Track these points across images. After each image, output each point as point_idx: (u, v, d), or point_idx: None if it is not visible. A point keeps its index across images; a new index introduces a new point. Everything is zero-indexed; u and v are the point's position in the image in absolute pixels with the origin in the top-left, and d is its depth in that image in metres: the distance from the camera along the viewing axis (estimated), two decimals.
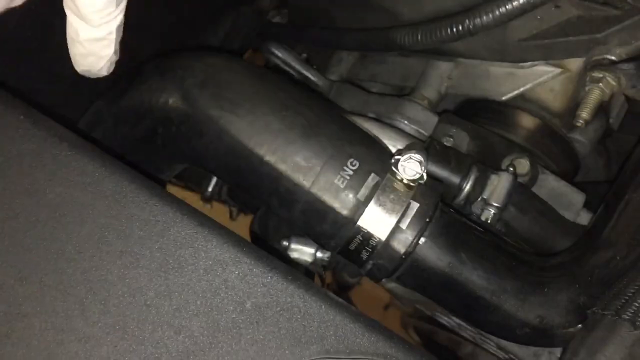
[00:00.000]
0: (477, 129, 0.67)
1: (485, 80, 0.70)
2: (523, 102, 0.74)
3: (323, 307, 0.41)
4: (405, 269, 0.48)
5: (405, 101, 0.69)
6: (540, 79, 0.66)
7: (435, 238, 0.48)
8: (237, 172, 0.48)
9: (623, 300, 0.43)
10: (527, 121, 0.74)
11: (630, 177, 0.53)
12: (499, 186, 0.58)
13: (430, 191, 0.48)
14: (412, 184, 0.47)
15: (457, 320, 0.70)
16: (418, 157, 0.47)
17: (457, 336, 0.83)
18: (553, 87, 0.68)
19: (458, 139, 0.65)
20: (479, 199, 0.58)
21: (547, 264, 0.50)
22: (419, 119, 0.66)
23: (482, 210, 0.57)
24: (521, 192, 0.59)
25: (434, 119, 0.66)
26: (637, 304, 0.43)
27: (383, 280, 0.50)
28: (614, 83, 0.60)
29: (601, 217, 0.54)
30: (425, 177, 0.48)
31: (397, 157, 0.47)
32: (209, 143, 0.48)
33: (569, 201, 0.64)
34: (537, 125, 0.74)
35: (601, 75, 0.60)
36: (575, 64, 0.64)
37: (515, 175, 0.59)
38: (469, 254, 0.48)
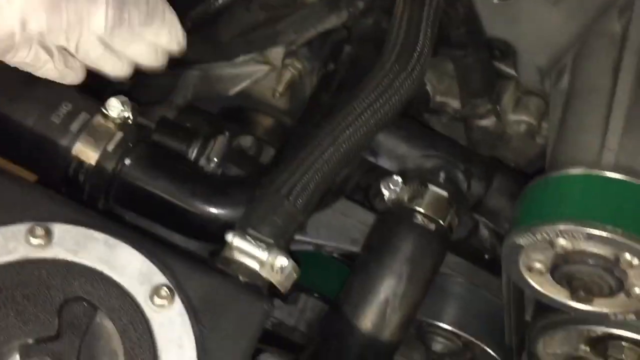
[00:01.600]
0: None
1: (218, 83, 0.88)
2: (257, 104, 0.92)
3: None
4: (117, 188, 0.61)
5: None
6: (255, 77, 0.85)
7: (138, 160, 0.62)
8: None
9: (280, 181, 0.59)
10: (265, 121, 0.92)
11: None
12: (216, 147, 0.75)
13: (135, 126, 0.63)
14: (118, 121, 0.62)
15: None
16: (123, 98, 0.62)
17: None
18: (270, 84, 0.87)
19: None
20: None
21: (230, 179, 0.66)
22: None
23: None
24: None
25: None
26: (290, 182, 0.59)
27: None
28: (298, 65, 0.80)
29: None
30: (131, 118, 0.63)
31: (107, 100, 0.62)
32: None
33: None
34: (272, 123, 0.92)
35: (289, 61, 0.80)
36: (277, 58, 0.84)
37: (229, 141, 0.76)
38: (166, 172, 0.63)
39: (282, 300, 0.98)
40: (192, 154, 0.76)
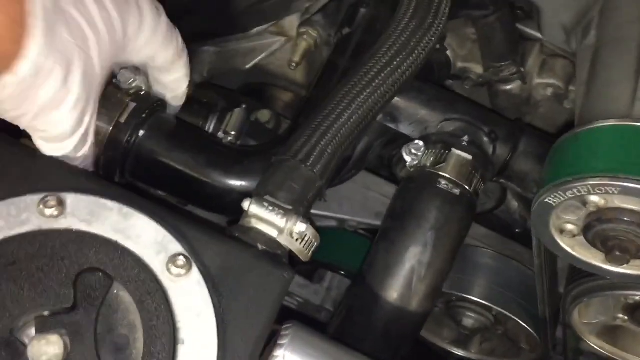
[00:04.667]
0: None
1: (234, 57, 0.87)
2: (274, 78, 0.91)
3: None
4: (132, 160, 0.60)
5: None
6: (271, 49, 0.83)
7: (153, 131, 0.60)
8: None
9: (296, 147, 0.57)
10: (283, 95, 0.91)
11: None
12: (232, 120, 0.73)
13: (147, 96, 0.61)
14: (131, 91, 0.60)
15: None
16: (134, 69, 0.60)
17: None
18: (287, 57, 0.85)
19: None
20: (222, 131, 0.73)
21: (246, 150, 0.64)
22: None
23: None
24: None
25: None
26: (307, 148, 0.57)
27: None
28: (314, 34, 0.78)
29: None
30: (144, 88, 0.62)
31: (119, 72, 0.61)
32: None
33: None
34: (291, 98, 0.90)
35: (304, 30, 0.78)
36: (292, 29, 0.82)
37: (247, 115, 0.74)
38: (181, 143, 0.61)
39: (307, 278, 0.98)
40: (210, 127, 0.75)
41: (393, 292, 0.61)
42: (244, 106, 0.75)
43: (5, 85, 0.47)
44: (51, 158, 0.52)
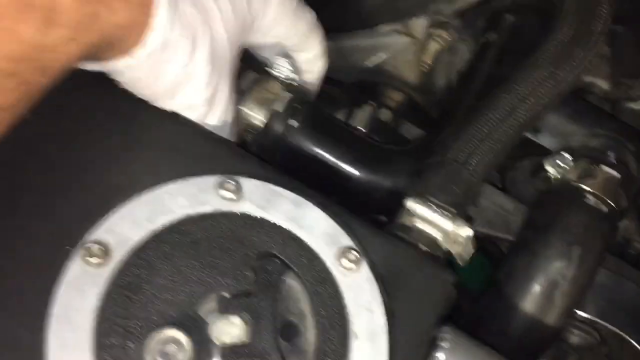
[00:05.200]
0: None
1: (355, 53, 0.86)
2: (388, 77, 0.90)
3: None
4: (284, 149, 0.60)
5: None
6: (394, 48, 0.83)
7: (304, 122, 0.60)
8: None
9: (456, 150, 0.56)
10: (396, 96, 0.90)
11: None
12: (361, 116, 0.72)
13: (301, 88, 0.61)
14: (286, 81, 0.60)
15: None
16: (289, 61, 0.60)
17: None
18: (408, 58, 0.85)
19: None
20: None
21: (394, 149, 0.64)
22: None
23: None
24: None
25: None
26: (467, 151, 0.56)
27: None
28: (447, 37, 0.77)
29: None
30: (297, 79, 0.61)
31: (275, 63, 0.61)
32: None
33: None
34: (403, 98, 0.90)
35: (436, 32, 0.77)
36: (420, 30, 0.81)
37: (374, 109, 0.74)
38: (330, 136, 0.61)
39: None
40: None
41: (533, 304, 0.60)
42: (370, 102, 0.75)
43: (137, 59, 0.47)
44: (226, 141, 0.52)
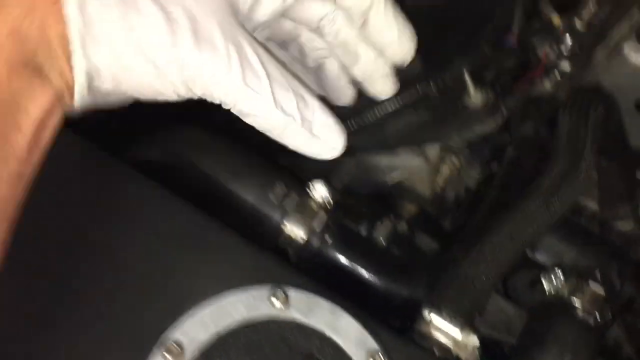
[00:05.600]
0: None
1: (374, 171, 0.98)
2: (405, 192, 1.01)
3: None
4: (318, 261, 0.70)
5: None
6: (411, 168, 0.94)
7: (337, 237, 0.71)
8: None
9: (466, 267, 0.67)
10: (410, 208, 1.01)
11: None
12: (382, 228, 0.83)
13: (334, 207, 0.72)
14: (321, 201, 0.71)
15: None
16: (325, 183, 0.72)
17: None
18: (422, 176, 0.96)
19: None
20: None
21: (413, 262, 0.74)
22: None
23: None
24: None
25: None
26: (476, 269, 0.66)
27: None
28: (456, 162, 0.89)
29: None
30: (330, 200, 0.72)
31: (311, 184, 0.72)
32: None
33: None
34: (416, 210, 1.01)
35: (448, 157, 0.90)
36: (434, 154, 0.93)
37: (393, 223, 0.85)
38: (358, 250, 0.72)
39: None
40: (361, 232, 0.86)
41: None
42: (392, 216, 0.86)
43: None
44: (274, 255, 0.63)
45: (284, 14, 0.51)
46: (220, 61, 0.44)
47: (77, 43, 0.42)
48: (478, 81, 0.86)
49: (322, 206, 0.72)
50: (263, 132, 0.50)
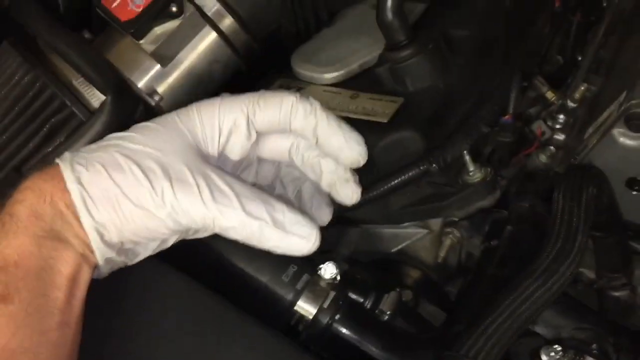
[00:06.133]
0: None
1: (378, 241, 1.02)
2: (409, 259, 1.05)
3: None
4: (328, 338, 0.74)
5: None
6: (415, 237, 0.99)
7: (345, 314, 0.75)
8: None
9: (468, 346, 0.70)
10: (413, 273, 1.05)
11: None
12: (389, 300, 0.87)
13: (343, 285, 0.76)
14: (330, 281, 0.76)
15: None
16: (334, 263, 0.76)
17: None
18: (425, 245, 1.00)
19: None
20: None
21: (418, 337, 0.78)
22: None
23: None
24: None
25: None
26: (476, 348, 0.70)
27: None
28: (457, 234, 0.93)
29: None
30: (338, 277, 0.77)
31: (321, 265, 0.76)
32: None
33: None
34: (420, 276, 1.05)
35: (450, 230, 0.94)
36: (436, 225, 0.97)
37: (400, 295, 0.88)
38: (364, 327, 0.76)
39: None
40: (368, 304, 0.89)
41: None
42: (398, 289, 0.90)
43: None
44: (290, 343, 0.67)
45: (260, 154, 0.64)
46: (193, 191, 0.54)
47: (82, 207, 0.52)
48: (476, 158, 0.91)
49: (331, 284, 0.76)
50: (245, 242, 0.60)
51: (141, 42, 0.87)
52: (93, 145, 0.56)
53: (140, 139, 0.55)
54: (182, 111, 0.59)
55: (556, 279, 0.73)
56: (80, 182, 0.52)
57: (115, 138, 0.56)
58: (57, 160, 0.54)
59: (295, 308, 0.73)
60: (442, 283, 1.01)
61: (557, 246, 0.75)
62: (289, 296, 0.74)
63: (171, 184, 0.53)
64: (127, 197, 0.53)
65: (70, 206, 0.52)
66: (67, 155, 0.55)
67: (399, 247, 1.01)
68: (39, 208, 0.51)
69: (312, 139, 0.61)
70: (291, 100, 0.58)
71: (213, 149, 0.58)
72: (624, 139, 0.85)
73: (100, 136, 0.69)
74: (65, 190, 0.52)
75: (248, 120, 0.58)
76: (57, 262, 0.51)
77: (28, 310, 0.48)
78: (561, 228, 0.76)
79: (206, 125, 0.57)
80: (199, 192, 0.54)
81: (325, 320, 0.74)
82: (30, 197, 0.52)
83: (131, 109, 0.83)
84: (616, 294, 0.94)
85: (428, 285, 1.04)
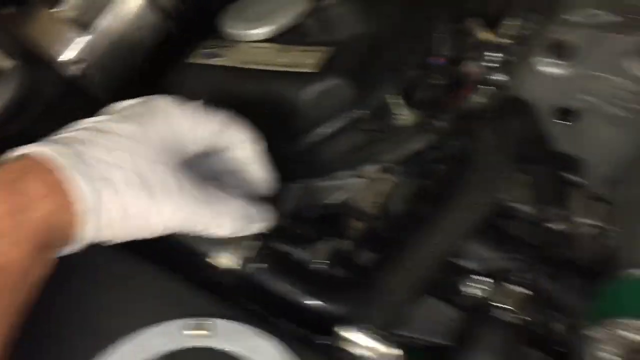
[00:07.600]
0: None
1: (320, 194, 1.02)
2: (350, 210, 1.05)
3: None
4: (249, 288, 0.74)
5: None
6: (353, 188, 0.98)
7: (271, 265, 0.76)
8: None
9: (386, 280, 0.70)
10: (358, 226, 1.05)
11: None
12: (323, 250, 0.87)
13: (269, 237, 0.77)
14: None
15: None
16: None
17: None
18: (364, 194, 1.00)
19: None
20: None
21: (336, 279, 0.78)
22: None
23: None
24: None
25: None
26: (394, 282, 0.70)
27: None
28: (393, 179, 0.93)
29: None
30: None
31: None
32: None
33: None
34: (364, 228, 1.05)
35: (385, 176, 0.93)
36: (372, 173, 0.97)
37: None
38: (291, 273, 0.76)
39: None
40: (303, 256, 0.89)
41: None
42: (336, 239, 0.90)
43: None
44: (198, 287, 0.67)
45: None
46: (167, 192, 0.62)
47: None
48: (408, 101, 0.91)
49: (257, 236, 0.77)
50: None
51: (60, 10, 0.87)
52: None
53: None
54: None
55: (471, 209, 0.73)
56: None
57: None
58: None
59: (215, 260, 0.74)
60: (385, 233, 1.02)
61: (473, 177, 0.75)
62: (206, 249, 0.74)
63: (145, 190, 0.60)
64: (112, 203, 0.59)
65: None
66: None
67: (338, 197, 1.01)
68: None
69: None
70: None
71: (185, 144, 0.68)
72: (551, 68, 0.85)
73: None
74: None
75: None
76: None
77: None
78: (478, 159, 0.76)
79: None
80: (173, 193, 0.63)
81: (248, 270, 0.74)
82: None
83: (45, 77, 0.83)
84: (552, 226, 0.94)
85: (372, 236, 1.04)
